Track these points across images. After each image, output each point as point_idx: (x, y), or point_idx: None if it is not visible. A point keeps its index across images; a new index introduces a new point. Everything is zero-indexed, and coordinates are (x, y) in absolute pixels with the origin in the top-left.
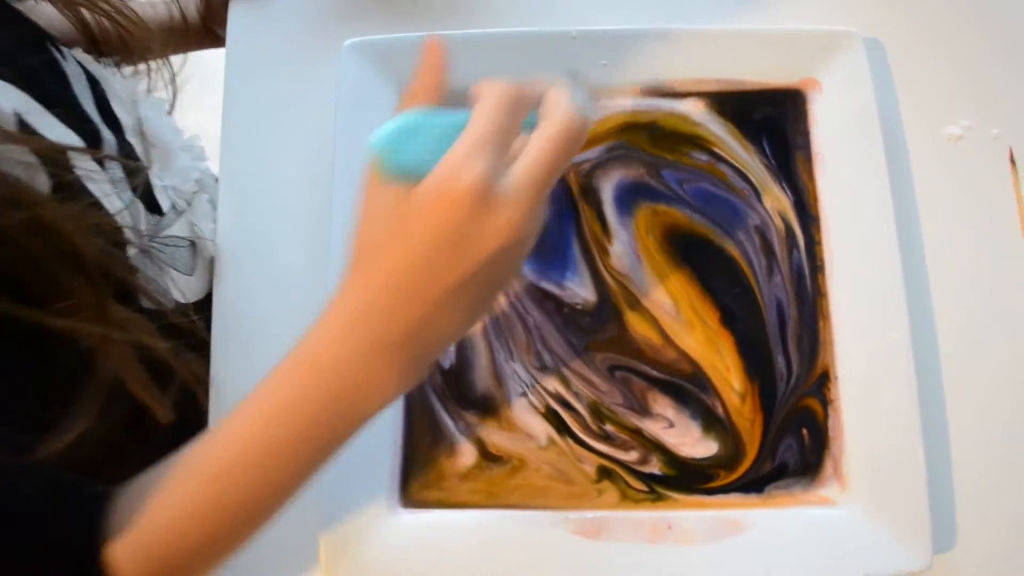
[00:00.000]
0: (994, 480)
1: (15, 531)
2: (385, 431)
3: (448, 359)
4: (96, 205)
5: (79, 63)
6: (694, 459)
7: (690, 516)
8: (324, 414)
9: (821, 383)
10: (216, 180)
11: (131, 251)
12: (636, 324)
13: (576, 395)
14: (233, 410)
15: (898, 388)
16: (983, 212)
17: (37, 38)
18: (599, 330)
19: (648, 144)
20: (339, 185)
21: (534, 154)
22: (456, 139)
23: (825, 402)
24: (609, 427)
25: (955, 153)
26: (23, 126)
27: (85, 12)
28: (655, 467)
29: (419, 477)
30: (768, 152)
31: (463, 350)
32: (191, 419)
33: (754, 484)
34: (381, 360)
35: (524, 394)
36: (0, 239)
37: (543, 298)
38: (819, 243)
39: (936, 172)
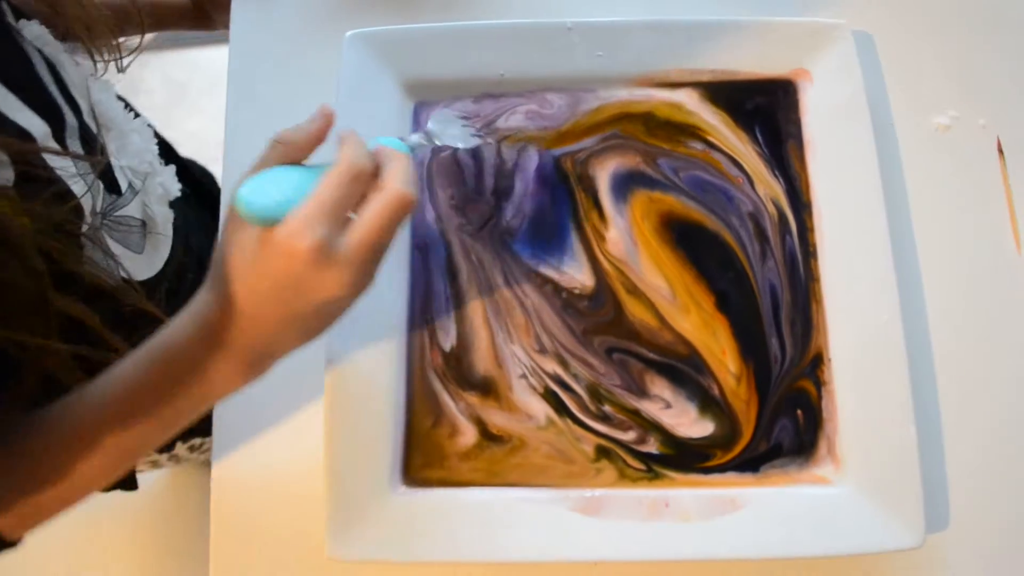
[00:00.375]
0: (987, 461)
1: None
2: (387, 412)
3: (449, 342)
4: (59, 195)
5: (33, 45)
6: (691, 439)
7: (687, 494)
8: (178, 397)
9: (815, 365)
10: (164, 164)
11: (84, 228)
12: (633, 308)
13: (575, 377)
14: (102, 387)
15: (890, 369)
16: (971, 199)
17: None
18: (597, 313)
19: (643, 133)
20: None
21: (365, 225)
22: (306, 191)
23: (819, 383)
24: (607, 408)
25: (943, 142)
26: None
27: None
28: (652, 447)
29: (420, 456)
30: (761, 140)
31: (464, 333)
32: None
33: (750, 463)
34: (228, 362)
35: (524, 376)
36: None
37: (542, 283)
38: (811, 229)
39: (925, 161)
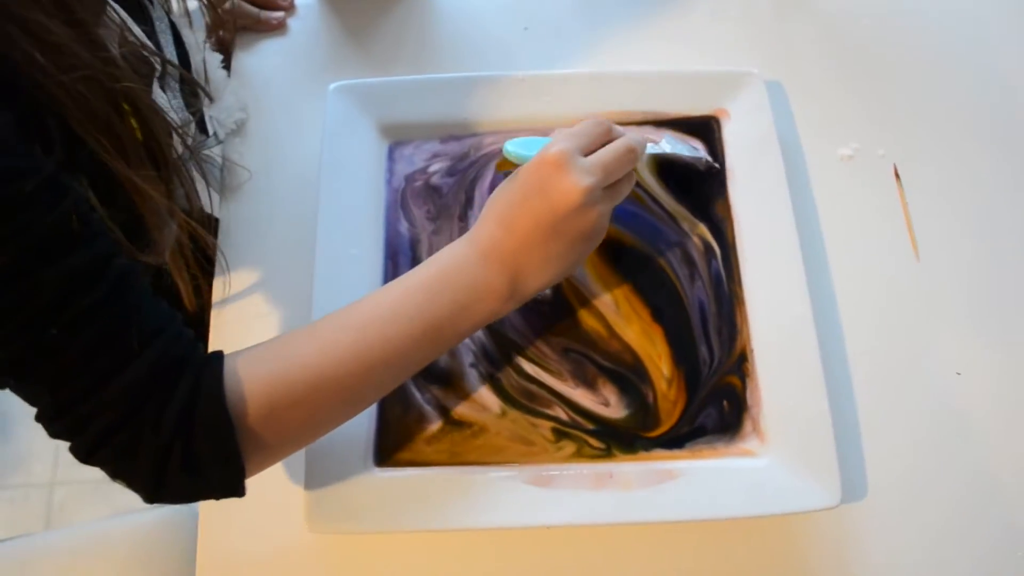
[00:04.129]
0: (900, 436)
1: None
2: None
3: None
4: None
5: (163, 8)
6: (612, 419)
7: (628, 467)
8: (446, 298)
9: (740, 362)
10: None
11: (182, 152)
12: (586, 318)
13: (505, 354)
14: (380, 290)
15: (804, 352)
16: (873, 217)
17: None
18: (557, 318)
19: None
20: (324, 203)
21: (602, 152)
22: None
23: (744, 376)
24: (533, 387)
25: (847, 170)
26: (124, 30)
27: None
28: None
29: (391, 441)
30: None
31: None
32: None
33: (674, 441)
34: (492, 267)
35: (473, 365)
36: (103, 97)
37: None
38: (733, 246)
39: (832, 186)
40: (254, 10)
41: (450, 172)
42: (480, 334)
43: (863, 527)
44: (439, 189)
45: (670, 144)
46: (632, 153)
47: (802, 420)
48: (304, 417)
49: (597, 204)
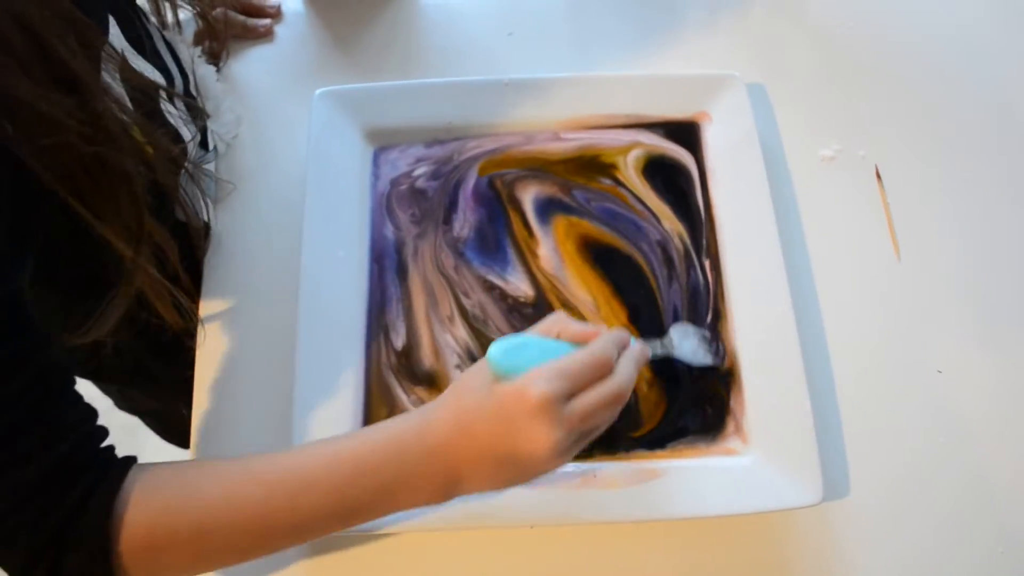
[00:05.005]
0: (882, 435)
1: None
2: (348, 403)
3: (400, 341)
4: (170, 133)
5: (156, 26)
6: None
7: (612, 466)
8: (372, 481)
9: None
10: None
11: (183, 172)
12: None
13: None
14: (306, 443)
15: (786, 352)
16: (855, 217)
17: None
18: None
19: (562, 170)
20: (310, 208)
21: (589, 399)
22: (549, 360)
23: (727, 379)
24: None
25: (829, 171)
26: (124, 62)
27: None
28: None
29: None
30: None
31: (411, 331)
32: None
33: (656, 441)
34: (434, 464)
35: (458, 366)
36: (79, 159)
37: (490, 287)
38: (715, 250)
39: (814, 187)
40: (241, 18)
41: (434, 176)
42: (464, 335)
43: (846, 524)
44: (424, 192)
45: (677, 336)
46: (620, 402)
47: (784, 419)
48: (185, 561)
49: (563, 455)
